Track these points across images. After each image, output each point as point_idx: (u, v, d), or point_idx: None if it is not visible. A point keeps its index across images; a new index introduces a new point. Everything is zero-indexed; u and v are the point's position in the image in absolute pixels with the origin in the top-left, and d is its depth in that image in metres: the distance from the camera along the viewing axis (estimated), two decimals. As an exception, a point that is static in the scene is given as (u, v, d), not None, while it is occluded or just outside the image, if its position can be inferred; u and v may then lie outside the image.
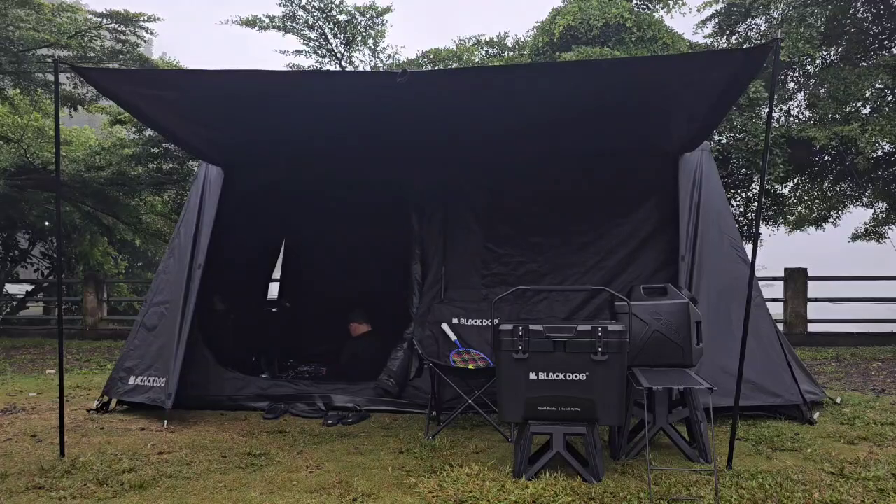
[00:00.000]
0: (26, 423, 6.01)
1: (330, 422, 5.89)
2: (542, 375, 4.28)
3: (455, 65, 14.94)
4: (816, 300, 12.22)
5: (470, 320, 6.25)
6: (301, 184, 8.16)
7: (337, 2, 14.31)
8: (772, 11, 13.62)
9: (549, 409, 4.29)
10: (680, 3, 14.35)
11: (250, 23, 14.62)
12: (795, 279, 11.99)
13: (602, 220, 6.64)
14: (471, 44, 16.08)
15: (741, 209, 14.50)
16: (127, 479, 4.34)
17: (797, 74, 14.12)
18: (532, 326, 4.32)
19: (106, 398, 6.44)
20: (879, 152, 12.59)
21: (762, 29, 13.97)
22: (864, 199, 14.95)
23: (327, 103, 5.35)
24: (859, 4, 13.33)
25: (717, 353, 5.45)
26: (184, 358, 6.12)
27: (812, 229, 15.85)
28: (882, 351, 10.53)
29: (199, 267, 6.37)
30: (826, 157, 13.80)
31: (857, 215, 15.47)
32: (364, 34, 14.86)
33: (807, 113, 13.81)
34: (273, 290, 10.15)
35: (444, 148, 6.53)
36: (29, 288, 17.43)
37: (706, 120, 5.52)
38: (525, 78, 5.25)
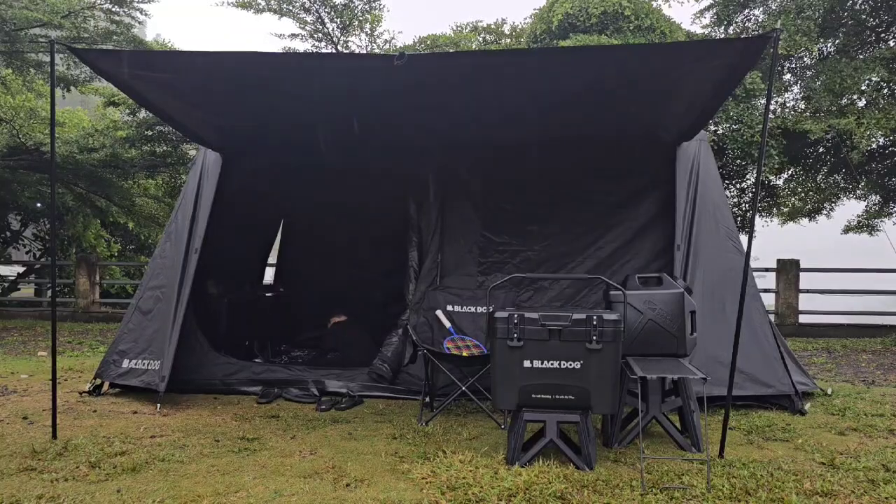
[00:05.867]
0: (18, 405, 5.99)
1: (323, 407, 5.89)
2: (537, 363, 4.28)
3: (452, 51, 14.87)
4: (808, 291, 12.30)
5: (465, 307, 6.25)
6: (298, 170, 8.13)
7: (333, -16, 14.21)
8: (769, 2, 13.58)
9: (542, 396, 4.30)
10: (678, -9, 14.30)
11: (245, 5, 14.48)
12: (787, 270, 12.05)
13: (599, 208, 6.66)
14: (468, 30, 16.02)
15: (735, 200, 14.55)
16: (119, 462, 4.33)
17: (794, 66, 14.10)
18: (527, 314, 4.32)
19: (98, 381, 6.43)
20: (874, 145, 12.60)
21: (760, 20, 13.94)
22: (858, 191, 14.99)
23: (325, 87, 5.31)
24: (857, -4, 13.31)
25: (710, 342, 5.47)
26: (178, 342, 6.11)
27: (805, 221, 15.91)
28: (872, 343, 10.61)
29: (196, 252, 6.36)
30: (821, 150, 13.82)
31: (850, 208, 15.52)
32: (361, 18, 14.75)
33: (802, 105, 13.81)
34: (269, 275, 10.14)
35: (443, 134, 6.51)
36: (20, 269, 17.34)
37: (703, 109, 5.52)
38: (524, 63, 5.22)
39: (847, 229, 15.42)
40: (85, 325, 13.07)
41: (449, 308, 6.25)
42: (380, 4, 14.70)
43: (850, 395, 6.48)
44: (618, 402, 4.46)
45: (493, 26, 16.02)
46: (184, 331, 6.20)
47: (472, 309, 6.23)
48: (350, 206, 9.00)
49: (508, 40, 15.64)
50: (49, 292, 16.36)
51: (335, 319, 8.18)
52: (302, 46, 15.18)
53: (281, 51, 14.15)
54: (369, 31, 15.19)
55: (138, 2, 13.09)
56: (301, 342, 8.46)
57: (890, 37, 13.65)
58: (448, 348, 5.98)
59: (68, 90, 14.17)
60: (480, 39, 15.91)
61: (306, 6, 14.49)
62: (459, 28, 16.14)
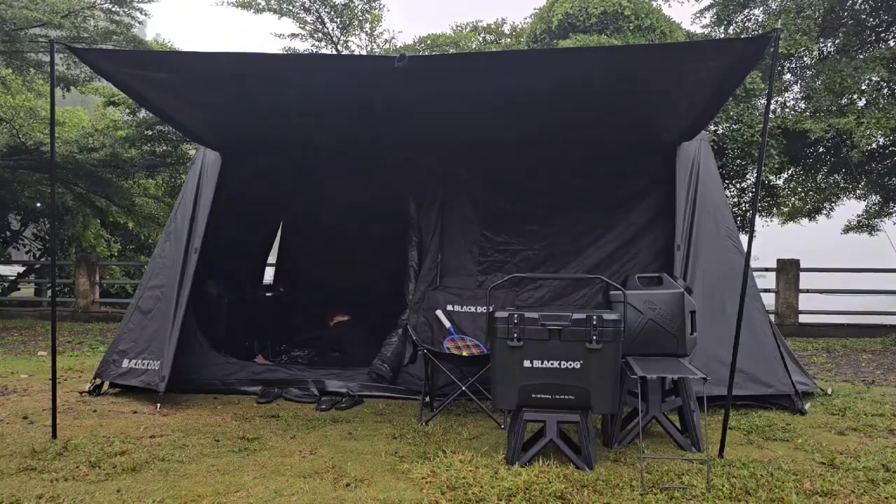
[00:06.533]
0: (18, 404, 5.99)
1: (323, 407, 5.89)
2: (537, 363, 4.28)
3: (452, 51, 14.87)
4: (808, 291, 12.30)
5: (465, 307, 6.25)
6: (299, 170, 8.13)
7: (333, -16, 14.21)
8: (769, 2, 13.58)
9: (542, 396, 4.30)
10: (678, -9, 14.30)
11: (245, 5, 14.48)
12: (787, 270, 12.05)
13: (599, 208, 6.65)
14: (468, 30, 16.03)
15: (735, 200, 14.55)
16: (119, 461, 4.33)
17: (794, 66, 14.10)
18: (527, 314, 4.32)
19: (98, 381, 6.43)
20: (874, 145, 12.60)
21: (760, 20, 13.94)
22: (858, 191, 14.99)
23: (325, 88, 5.31)
24: (857, -5, 13.31)
25: (710, 342, 5.47)
26: (177, 342, 6.11)
27: (805, 221, 15.91)
28: (872, 342, 10.61)
29: (196, 251, 6.35)
30: (820, 149, 13.82)
31: (850, 207, 15.53)
32: (360, 18, 14.76)
33: (802, 105, 13.81)
34: (269, 276, 10.15)
35: (442, 134, 6.51)
36: (20, 269, 17.34)
37: (704, 109, 5.51)
38: (524, 64, 5.22)
39: (847, 229, 15.42)
40: (85, 325, 13.07)
41: (449, 308, 6.25)
42: (380, 4, 14.72)
43: (850, 395, 6.48)
44: (618, 401, 4.46)
45: (493, 26, 16.04)
46: (183, 331, 6.19)
47: (472, 309, 6.23)
48: (350, 206, 8.99)
49: (508, 40, 15.65)
50: (49, 292, 16.36)
51: (337, 319, 8.17)
52: (302, 46, 15.19)
53: (281, 51, 14.16)
54: (369, 31, 15.21)
55: (138, 2, 13.09)
56: (301, 342, 8.46)
57: (890, 37, 13.65)
58: (448, 348, 5.98)
59: (68, 90, 14.17)
60: (480, 39, 15.92)
61: (306, 6, 14.49)
62: (459, 28, 16.15)
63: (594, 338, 4.22)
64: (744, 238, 5.88)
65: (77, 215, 16.30)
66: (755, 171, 13.05)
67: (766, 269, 12.29)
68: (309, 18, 14.77)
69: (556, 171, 6.74)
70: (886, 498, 3.76)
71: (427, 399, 5.78)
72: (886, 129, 11.42)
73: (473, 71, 5.14)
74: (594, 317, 4.25)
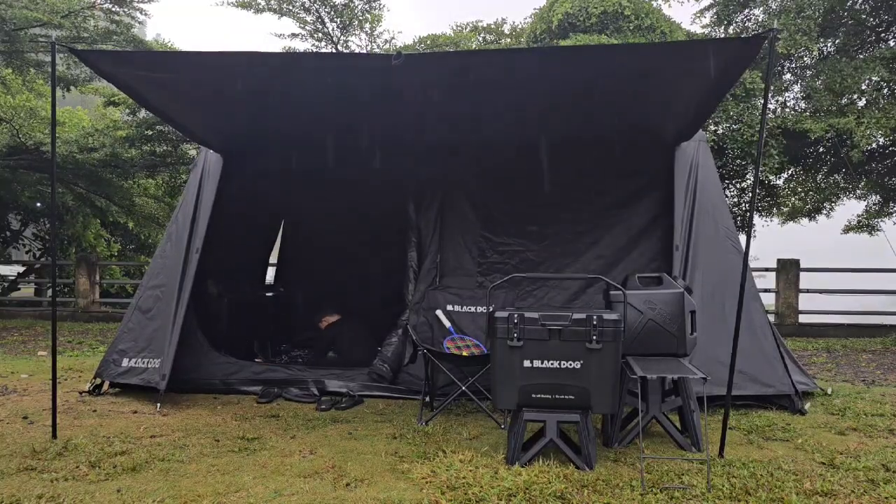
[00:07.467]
0: (18, 404, 5.99)
1: (323, 407, 5.89)
2: (537, 363, 4.28)
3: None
4: (808, 291, 12.30)
5: (465, 307, 6.25)
6: (299, 170, 8.13)
7: (333, -16, 14.20)
8: (770, 2, 13.58)
9: (543, 396, 4.30)
10: (678, -9, 14.30)
11: (245, 5, 14.48)
12: (788, 270, 12.05)
13: (599, 209, 6.66)
14: (468, 30, 16.03)
15: (735, 199, 14.55)
16: (119, 461, 4.33)
17: (794, 66, 14.10)
18: (527, 314, 4.32)
19: (98, 380, 6.43)
20: (874, 145, 12.60)
21: (760, 19, 13.94)
22: (858, 191, 14.99)
23: (323, 87, 5.31)
24: (857, -4, 13.31)
25: (710, 342, 5.46)
26: (178, 341, 6.10)
27: (805, 221, 15.91)
28: (872, 342, 10.61)
29: (197, 251, 6.35)
30: (820, 149, 13.82)
31: (850, 208, 15.54)
32: (360, 18, 14.75)
33: (802, 104, 13.81)
34: (269, 275, 10.16)
35: (441, 134, 6.51)
36: (20, 269, 17.33)
37: (700, 107, 5.50)
38: (522, 62, 5.21)
39: (847, 229, 15.43)
40: (85, 325, 13.07)
41: (449, 308, 6.25)
42: (380, 4, 14.70)
43: (850, 394, 6.48)
44: (618, 401, 4.46)
45: (493, 26, 16.03)
46: (184, 330, 6.19)
47: (472, 309, 6.23)
48: (350, 207, 8.99)
49: (508, 40, 15.65)
50: (49, 292, 16.36)
51: (327, 320, 7.83)
52: (302, 46, 15.18)
53: (280, 51, 14.15)
54: (369, 31, 15.19)
55: (138, 2, 13.10)
56: (301, 342, 8.46)
57: (890, 37, 13.66)
58: (448, 348, 5.98)
59: (68, 90, 14.17)
60: (480, 39, 15.91)
61: (306, 6, 14.49)
62: (459, 28, 16.15)
63: (594, 338, 4.22)
64: (743, 238, 5.88)
65: (77, 215, 16.30)
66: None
67: (766, 269, 12.29)
68: (309, 18, 14.76)
69: (556, 171, 6.74)
70: (886, 498, 3.76)
71: (427, 399, 5.78)
72: (886, 129, 11.42)
73: (471, 69, 5.14)
74: (594, 317, 4.25)
